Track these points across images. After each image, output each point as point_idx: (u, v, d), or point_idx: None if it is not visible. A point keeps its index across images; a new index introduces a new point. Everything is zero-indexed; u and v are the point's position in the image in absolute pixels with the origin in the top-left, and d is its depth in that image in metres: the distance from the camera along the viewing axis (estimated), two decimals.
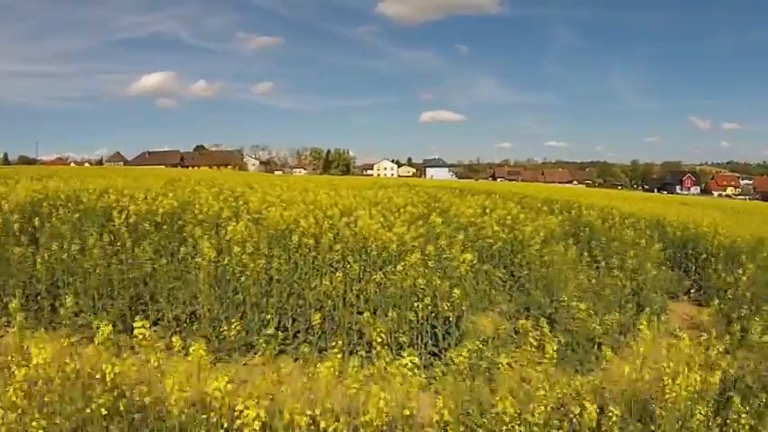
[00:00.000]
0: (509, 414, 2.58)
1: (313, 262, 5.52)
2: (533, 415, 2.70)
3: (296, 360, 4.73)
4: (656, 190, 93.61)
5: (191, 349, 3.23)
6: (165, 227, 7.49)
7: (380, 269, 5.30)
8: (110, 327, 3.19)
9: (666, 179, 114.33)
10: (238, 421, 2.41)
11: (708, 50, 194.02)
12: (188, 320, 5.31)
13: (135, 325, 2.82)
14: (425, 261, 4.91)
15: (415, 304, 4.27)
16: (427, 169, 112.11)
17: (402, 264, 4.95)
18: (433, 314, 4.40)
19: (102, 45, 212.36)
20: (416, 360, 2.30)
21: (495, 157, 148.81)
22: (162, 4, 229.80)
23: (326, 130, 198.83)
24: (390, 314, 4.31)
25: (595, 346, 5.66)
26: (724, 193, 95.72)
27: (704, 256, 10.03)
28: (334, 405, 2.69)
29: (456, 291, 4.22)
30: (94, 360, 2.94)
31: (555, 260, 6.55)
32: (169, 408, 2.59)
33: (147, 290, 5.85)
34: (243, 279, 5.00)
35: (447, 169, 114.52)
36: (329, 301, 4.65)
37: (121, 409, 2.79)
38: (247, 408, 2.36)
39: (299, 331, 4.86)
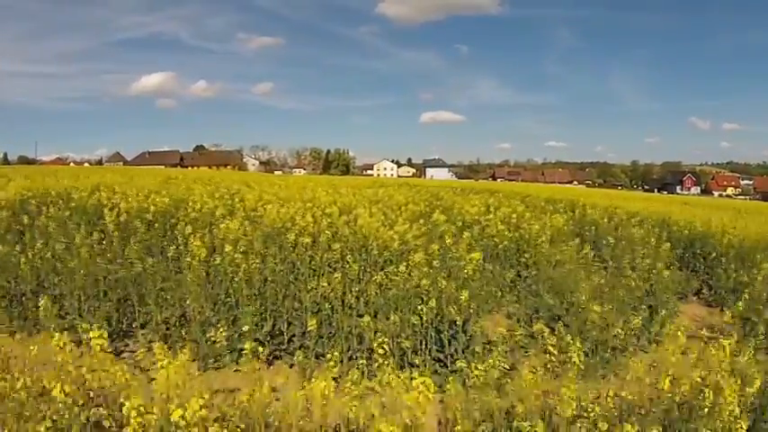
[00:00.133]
0: None
1: (310, 262, 5.21)
2: None
3: (291, 366, 4.43)
4: (656, 190, 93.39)
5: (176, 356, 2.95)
6: (156, 225, 7.21)
7: (381, 269, 5.00)
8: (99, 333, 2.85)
9: (667, 179, 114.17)
10: None
11: (708, 51, 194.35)
12: (177, 323, 5.01)
13: (91, 335, 2.51)
14: (429, 261, 4.60)
15: (419, 307, 3.96)
16: (427, 169, 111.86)
17: (405, 264, 4.64)
18: (438, 317, 4.10)
19: (103, 45, 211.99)
20: (430, 381, 1.99)
21: (495, 158, 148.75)
22: (162, 5, 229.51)
23: (327, 131, 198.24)
24: (392, 318, 4.00)
25: (608, 351, 5.37)
26: (724, 194, 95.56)
27: (713, 255, 9.73)
28: (332, 423, 2.39)
29: (464, 293, 3.91)
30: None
31: (566, 260, 6.25)
32: None
33: (135, 291, 5.55)
34: (236, 280, 4.69)
35: (447, 170, 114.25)
36: (327, 304, 4.34)
37: None
38: None
39: (294, 336, 4.55)
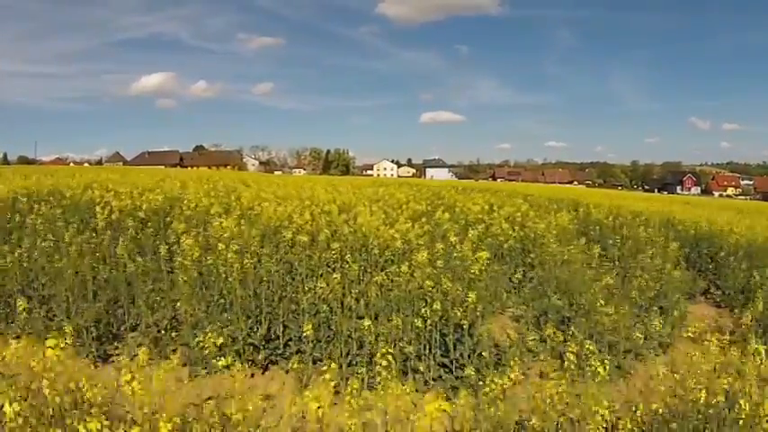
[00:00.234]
0: None
1: (308, 261, 4.97)
2: None
3: (287, 372, 4.19)
4: (656, 190, 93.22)
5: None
6: (150, 223, 6.97)
7: (382, 270, 4.77)
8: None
9: (667, 179, 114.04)
10: None
11: (708, 51, 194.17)
12: (168, 326, 4.77)
13: (48, 344, 2.27)
14: (433, 260, 4.35)
15: (423, 310, 3.72)
16: (427, 170, 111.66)
17: (407, 263, 4.40)
18: (442, 320, 3.85)
19: (103, 45, 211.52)
20: (446, 406, 1.75)
21: (496, 158, 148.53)
22: (163, 5, 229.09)
23: (326, 131, 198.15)
24: (394, 320, 3.76)
25: (621, 355, 5.14)
26: (725, 194, 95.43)
27: (722, 255, 9.52)
28: None
29: (471, 294, 3.67)
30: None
31: (574, 260, 6.01)
32: None
33: (126, 292, 5.31)
34: (230, 280, 4.43)
35: (447, 170, 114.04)
36: (325, 306, 4.10)
37: None
38: None
39: (291, 339, 4.31)
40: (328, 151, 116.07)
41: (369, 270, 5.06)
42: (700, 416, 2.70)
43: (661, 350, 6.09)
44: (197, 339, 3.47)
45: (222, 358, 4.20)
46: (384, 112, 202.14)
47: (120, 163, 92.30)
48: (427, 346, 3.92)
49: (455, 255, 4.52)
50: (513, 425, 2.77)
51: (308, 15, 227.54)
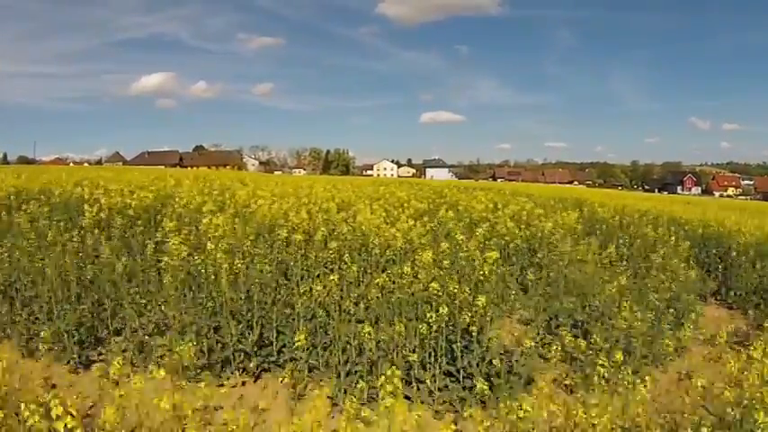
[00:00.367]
0: None
1: (304, 262, 4.66)
2: None
3: (281, 381, 3.88)
4: (656, 190, 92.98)
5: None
6: (140, 222, 6.67)
7: (383, 270, 4.46)
8: None
9: (667, 179, 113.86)
10: None
11: (707, 51, 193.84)
12: (155, 330, 4.46)
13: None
14: (439, 261, 4.03)
15: (428, 314, 3.41)
16: (427, 170, 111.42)
17: (409, 263, 4.09)
18: (449, 325, 3.54)
19: (103, 45, 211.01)
20: None
21: (496, 158, 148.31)
22: (163, 5, 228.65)
23: (326, 131, 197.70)
24: (397, 326, 3.45)
25: (637, 360, 4.84)
26: (725, 194, 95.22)
27: (734, 254, 9.24)
28: None
29: (480, 297, 3.37)
30: None
31: (587, 260, 5.71)
32: None
33: (112, 294, 5.00)
34: (222, 282, 4.12)
35: (447, 170, 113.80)
36: (321, 311, 3.78)
37: None
38: None
39: (285, 346, 4.00)
40: (328, 151, 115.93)
41: (369, 271, 4.76)
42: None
43: (676, 354, 5.81)
44: (178, 348, 3.15)
45: (207, 370, 3.92)
46: (384, 112, 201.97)
47: (120, 163, 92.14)
48: (432, 354, 3.61)
49: (461, 255, 4.20)
50: None
51: (308, 15, 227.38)
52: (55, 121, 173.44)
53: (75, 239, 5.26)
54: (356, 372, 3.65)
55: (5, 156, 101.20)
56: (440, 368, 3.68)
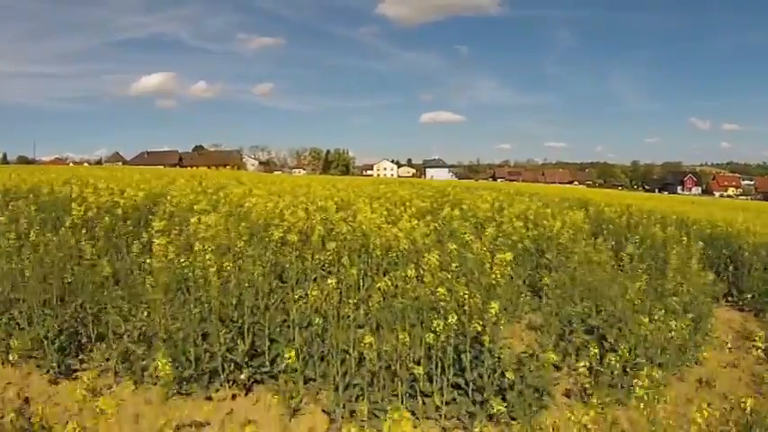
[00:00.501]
0: None
1: (300, 265, 4.34)
2: None
3: (275, 394, 3.57)
4: (657, 190, 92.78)
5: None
6: (129, 221, 6.35)
7: (385, 274, 4.15)
8: None
9: (667, 180, 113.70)
10: None
11: (707, 52, 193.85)
12: (139, 338, 4.14)
13: None
14: (446, 263, 3.70)
15: (435, 322, 3.09)
16: (427, 170, 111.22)
17: (413, 266, 3.77)
18: (459, 333, 3.22)
19: (103, 45, 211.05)
20: None
21: (496, 158, 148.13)
22: (163, 5, 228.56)
23: (326, 131, 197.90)
24: (400, 335, 3.13)
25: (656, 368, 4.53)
26: (725, 194, 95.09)
27: (746, 255, 8.96)
28: None
29: (493, 304, 3.05)
30: None
31: (600, 261, 5.40)
32: None
33: (96, 297, 4.68)
34: (211, 285, 3.80)
35: (447, 170, 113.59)
36: (318, 318, 3.46)
37: None
38: None
39: (278, 355, 3.69)
40: (328, 151, 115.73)
41: (369, 274, 4.44)
42: None
43: (693, 360, 5.52)
44: (154, 364, 2.83)
45: (194, 382, 3.61)
46: (384, 112, 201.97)
47: (120, 163, 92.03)
48: (439, 365, 3.29)
49: (469, 256, 3.87)
50: None
51: (308, 16, 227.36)
52: (55, 121, 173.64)
53: (55, 240, 4.93)
54: (356, 385, 3.34)
55: (5, 156, 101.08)
56: (447, 380, 3.37)
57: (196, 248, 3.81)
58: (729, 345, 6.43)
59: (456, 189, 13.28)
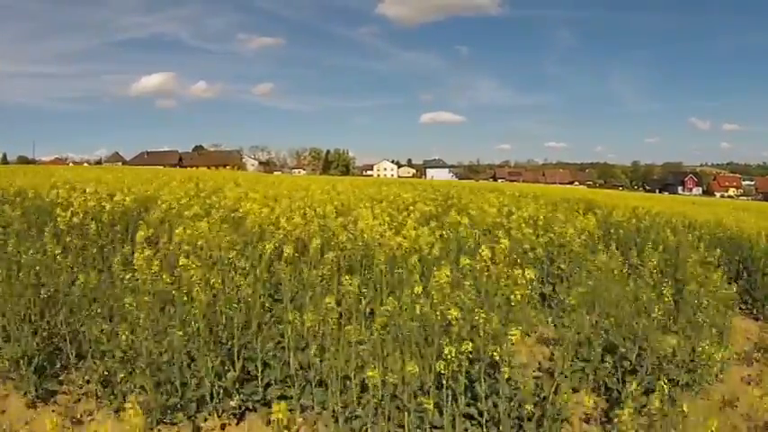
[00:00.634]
0: None
1: (297, 277, 4.00)
2: None
3: (268, 423, 3.23)
4: (657, 191, 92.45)
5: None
6: (117, 228, 6.01)
7: (390, 293, 3.79)
8: None
9: (668, 180, 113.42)
10: None
11: (708, 52, 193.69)
12: (123, 358, 3.79)
13: None
14: (457, 279, 3.34)
15: (446, 348, 2.74)
16: (427, 170, 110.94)
17: (421, 283, 3.43)
18: (473, 359, 2.88)
19: (103, 45, 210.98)
20: None
21: (496, 158, 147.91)
22: (163, 5, 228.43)
23: (326, 131, 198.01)
24: (408, 367, 2.77)
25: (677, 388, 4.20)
26: (726, 194, 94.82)
27: (763, 261, 8.63)
28: None
29: (515, 331, 2.70)
30: None
31: (617, 271, 5.06)
32: None
33: (77, 314, 4.33)
34: (197, 304, 3.45)
35: (447, 170, 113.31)
36: (315, 344, 3.12)
37: None
38: None
39: (271, 382, 3.35)
40: (328, 151, 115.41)
41: (371, 289, 4.10)
42: None
43: (715, 377, 5.18)
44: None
45: (179, 411, 3.26)
46: (384, 112, 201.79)
47: (120, 163, 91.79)
48: (450, 395, 2.95)
49: (485, 273, 3.50)
50: None
51: (308, 16, 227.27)
52: (55, 121, 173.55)
53: (32, 250, 4.57)
54: (357, 416, 3.00)
55: (5, 156, 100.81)
56: (458, 410, 3.02)
57: (181, 263, 3.45)
58: (755, 358, 6.12)
59: (459, 190, 12.93)
